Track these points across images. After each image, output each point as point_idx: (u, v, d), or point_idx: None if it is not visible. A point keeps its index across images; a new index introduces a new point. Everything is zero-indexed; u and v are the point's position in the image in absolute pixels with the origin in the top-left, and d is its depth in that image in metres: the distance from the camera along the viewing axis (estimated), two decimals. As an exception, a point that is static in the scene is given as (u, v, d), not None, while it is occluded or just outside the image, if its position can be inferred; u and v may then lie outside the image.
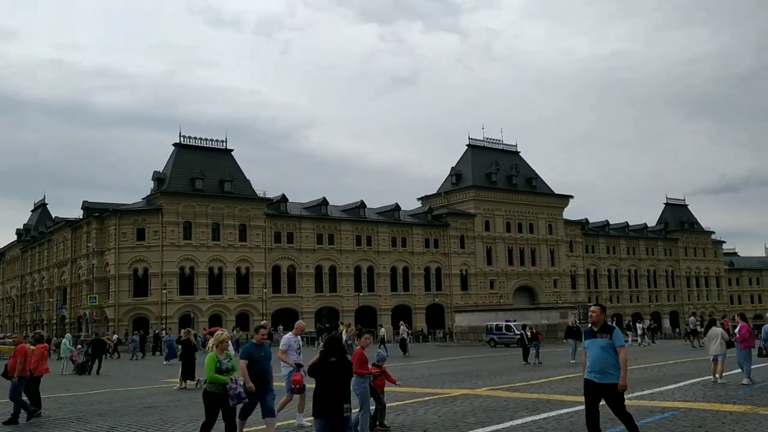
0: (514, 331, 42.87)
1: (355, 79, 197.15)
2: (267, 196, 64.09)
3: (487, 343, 44.15)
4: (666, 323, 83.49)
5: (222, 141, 65.08)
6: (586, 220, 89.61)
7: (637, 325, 57.03)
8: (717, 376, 15.22)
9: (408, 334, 33.01)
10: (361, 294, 66.39)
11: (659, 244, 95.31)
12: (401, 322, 42.10)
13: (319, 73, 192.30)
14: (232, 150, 65.40)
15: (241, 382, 8.18)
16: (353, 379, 9.67)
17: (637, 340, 43.60)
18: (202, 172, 60.74)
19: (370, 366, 9.55)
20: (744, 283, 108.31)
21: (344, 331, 33.78)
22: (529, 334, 25.99)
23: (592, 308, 7.61)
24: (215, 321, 56.87)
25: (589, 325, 7.65)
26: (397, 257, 70.05)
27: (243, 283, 61.23)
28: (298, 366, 10.28)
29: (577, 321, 37.38)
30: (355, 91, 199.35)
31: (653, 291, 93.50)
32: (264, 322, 11.09)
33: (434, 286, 72.34)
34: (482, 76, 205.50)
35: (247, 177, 64.86)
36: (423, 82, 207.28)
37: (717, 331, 15.47)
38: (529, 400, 13.24)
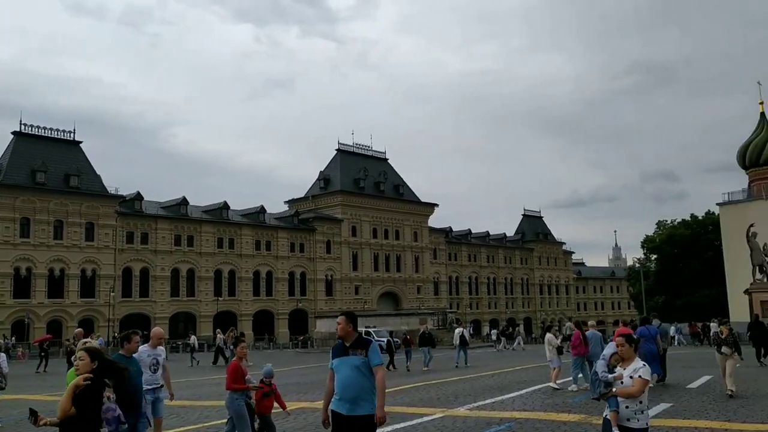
0: (373, 337, 42.65)
1: (228, 79, 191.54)
2: (119, 193, 59.81)
3: (346, 350, 43.56)
4: (521, 329, 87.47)
5: (69, 132, 59.97)
6: (450, 228, 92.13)
7: (493, 331, 58.99)
8: (552, 383, 15.35)
9: (225, 341, 30.59)
10: (220, 299, 63.67)
11: (516, 253, 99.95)
12: (217, 330, 37.53)
13: (191, 71, 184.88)
14: (80, 142, 60.47)
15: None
16: (227, 395, 8.40)
17: (509, 347, 44.75)
18: (44, 165, 55.51)
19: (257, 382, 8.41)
20: (590, 291, 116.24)
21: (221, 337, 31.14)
22: (399, 340, 25.92)
23: (338, 318, 5.81)
24: (54, 327, 52.06)
25: (338, 339, 5.88)
26: (261, 261, 67.99)
27: (88, 286, 56.57)
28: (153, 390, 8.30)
29: (434, 327, 37.65)
30: (227, 91, 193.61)
31: (510, 298, 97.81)
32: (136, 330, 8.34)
33: (298, 291, 71.01)
34: (356, 84, 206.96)
35: (99, 173, 60.24)
36: (298, 87, 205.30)
37: (549, 338, 15.66)
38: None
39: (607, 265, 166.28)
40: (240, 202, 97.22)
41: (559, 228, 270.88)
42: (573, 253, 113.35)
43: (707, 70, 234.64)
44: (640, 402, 5.42)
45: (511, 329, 63.41)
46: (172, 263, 61.65)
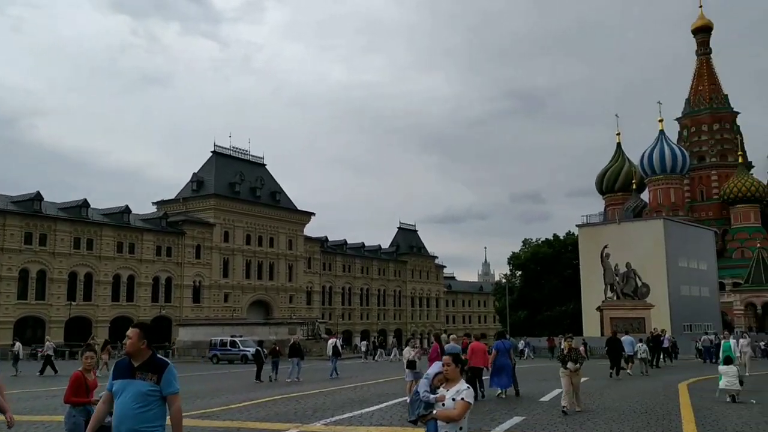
0: (239, 347, 41.20)
1: (100, 72, 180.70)
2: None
3: (209, 360, 41.81)
4: (390, 340, 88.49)
5: None
6: (326, 238, 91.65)
7: (362, 342, 58.99)
8: (407, 397, 15.24)
9: (55, 349, 28.24)
10: (73, 303, 59.11)
11: (390, 265, 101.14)
12: (47, 337, 33.93)
13: (58, 59, 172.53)
14: None
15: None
16: (67, 409, 7.22)
17: (380, 359, 44.59)
18: None
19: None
20: (459, 305, 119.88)
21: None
22: (266, 350, 25.18)
23: (129, 331, 4.84)
24: None
25: (124, 356, 4.92)
26: (123, 264, 63.97)
27: None
28: None
29: (303, 338, 36.92)
30: (98, 84, 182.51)
31: (382, 309, 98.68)
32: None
33: (163, 297, 67.46)
34: (238, 87, 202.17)
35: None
36: (175, 85, 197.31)
37: (405, 351, 15.58)
38: (212, 429, 11.62)
39: (476, 279, 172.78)
40: (105, 202, 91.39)
41: (432, 242, 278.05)
42: (444, 267, 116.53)
43: (573, 101, 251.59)
44: (461, 428, 5.13)
45: (383, 340, 63.94)
46: (20, 264, 56.53)
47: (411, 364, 15.10)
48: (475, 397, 15.95)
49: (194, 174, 76.55)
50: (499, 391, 16.08)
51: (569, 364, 13.15)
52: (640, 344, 26.09)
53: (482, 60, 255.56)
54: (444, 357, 5.26)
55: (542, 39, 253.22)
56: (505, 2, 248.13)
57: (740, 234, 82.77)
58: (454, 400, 5.08)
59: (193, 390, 19.62)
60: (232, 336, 42.60)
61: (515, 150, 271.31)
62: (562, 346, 14.12)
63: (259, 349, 26.24)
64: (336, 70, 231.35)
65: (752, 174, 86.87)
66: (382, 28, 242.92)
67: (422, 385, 5.40)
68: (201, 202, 73.52)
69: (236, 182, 76.32)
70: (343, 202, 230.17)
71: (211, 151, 77.78)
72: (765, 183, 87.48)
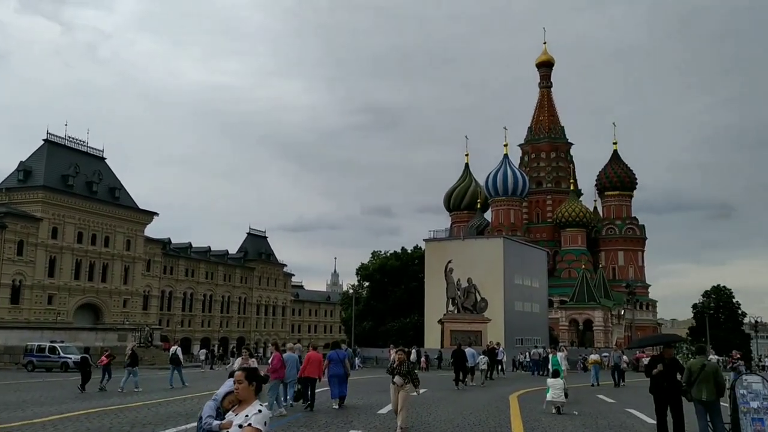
0: (59, 354, 37.56)
1: None
2: None
3: (24, 367, 37.71)
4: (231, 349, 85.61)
5: None
6: (169, 240, 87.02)
7: (201, 350, 56.32)
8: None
9: None
10: None
11: (237, 271, 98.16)
12: None
13: None
14: None
15: None
16: None
17: (220, 368, 42.44)
18: None
19: None
20: (305, 314, 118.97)
21: None
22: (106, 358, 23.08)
23: None
24: None
25: None
26: (-74, 258, 56.30)
27: None
28: None
29: (135, 344, 34.36)
30: None
31: (225, 317, 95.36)
32: None
33: (-26, 296, 60.20)
34: (81, 75, 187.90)
35: None
36: (9, 67, 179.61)
37: (238, 362, 14.68)
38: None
39: (325, 289, 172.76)
40: None
41: (282, 250, 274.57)
42: (293, 275, 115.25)
43: (427, 120, 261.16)
44: None
45: (223, 349, 61.45)
46: None
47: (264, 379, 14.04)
48: (308, 408, 15.72)
49: (21, 163, 69.37)
50: (333, 401, 16.01)
51: (396, 378, 12.30)
52: (482, 356, 27.12)
53: (343, 73, 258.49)
54: (236, 373, 4.51)
55: (402, 59, 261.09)
56: (371, 21, 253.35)
57: (569, 255, 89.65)
58: (241, 426, 4.30)
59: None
60: (51, 341, 38.68)
61: (369, 163, 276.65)
62: (392, 359, 13.48)
63: (86, 356, 23.88)
64: (191, 69, 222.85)
65: (581, 201, 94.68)
66: (244, 31, 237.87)
67: (207, 409, 4.58)
68: (27, 193, 66.71)
69: (70, 175, 70.14)
70: (191, 204, 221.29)
71: (43, 139, 70.95)
72: (591, 210, 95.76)
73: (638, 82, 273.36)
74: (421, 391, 21.92)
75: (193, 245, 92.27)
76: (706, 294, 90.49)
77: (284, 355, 15.31)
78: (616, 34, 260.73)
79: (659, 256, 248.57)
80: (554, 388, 15.82)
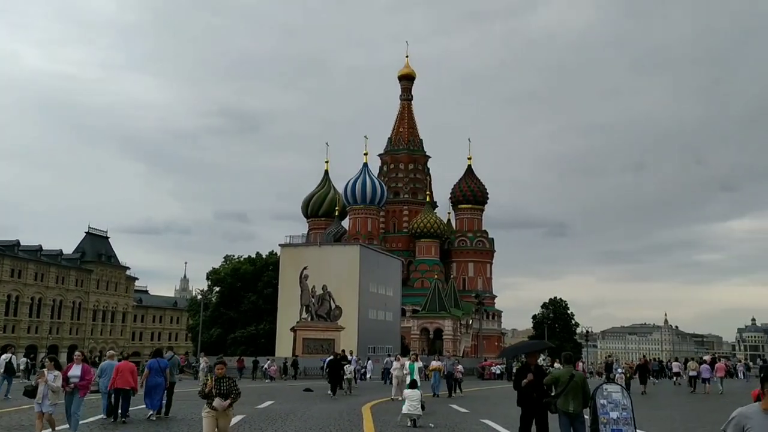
0: None
1: None
2: None
3: None
4: (63, 357, 78.00)
5: None
6: (-7, 237, 77.95)
7: (22, 360, 50.41)
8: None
9: None
10: None
11: (72, 273, 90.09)
12: None
13: None
14: None
15: None
16: None
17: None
18: None
19: None
20: (148, 321, 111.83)
21: None
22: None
23: None
24: None
25: None
26: None
27: None
28: None
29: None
30: None
31: (56, 322, 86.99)
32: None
33: None
34: None
35: None
36: None
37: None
38: None
39: (173, 295, 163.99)
40: None
41: (127, 253, 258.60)
42: (137, 279, 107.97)
43: (288, 127, 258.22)
44: None
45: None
46: None
47: (29, 392, 11.30)
48: (115, 420, 13.86)
49: None
50: (150, 413, 14.76)
51: (216, 402, 8.87)
52: (347, 365, 26.26)
53: (201, 74, 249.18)
54: None
55: (264, 64, 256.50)
56: (234, 23, 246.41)
57: (422, 265, 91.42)
58: None
59: None
60: None
61: (225, 168, 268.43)
62: (205, 378, 9.97)
63: None
64: (30, 54, 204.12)
65: (436, 213, 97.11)
66: (92, 20, 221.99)
67: None
68: None
69: None
70: (24, 200, 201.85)
71: None
72: (445, 221, 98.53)
73: (491, 104, 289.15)
74: (267, 404, 20.35)
75: (22, 243, 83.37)
76: (544, 305, 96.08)
77: (103, 363, 14.17)
78: (473, 58, 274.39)
79: (504, 268, 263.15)
80: (410, 400, 14.91)
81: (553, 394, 10.04)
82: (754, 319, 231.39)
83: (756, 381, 29.14)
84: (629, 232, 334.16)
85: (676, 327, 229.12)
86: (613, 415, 10.38)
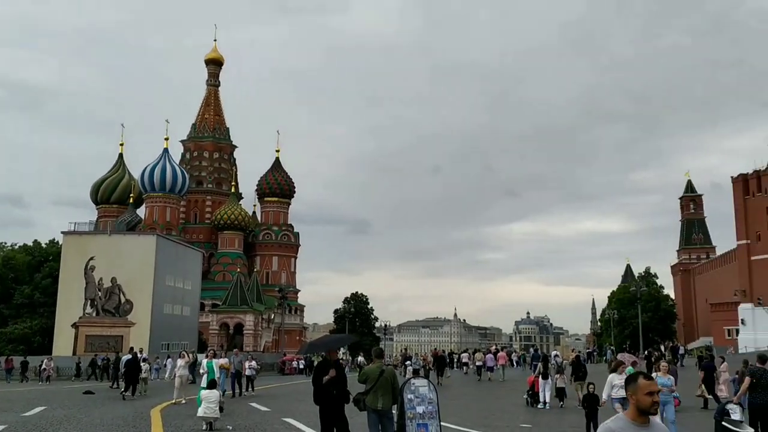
0: None
1: None
2: None
3: None
4: None
5: None
6: None
7: None
8: None
9: None
10: None
11: None
12: None
13: None
14: None
15: None
16: None
17: None
18: None
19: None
20: None
21: None
22: None
23: None
24: None
25: None
26: None
27: None
28: None
29: None
30: None
31: None
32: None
33: None
34: None
35: None
36: None
37: None
38: None
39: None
40: None
41: None
42: None
43: (77, 105, 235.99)
44: None
45: None
46: None
47: None
48: None
49: None
50: None
51: None
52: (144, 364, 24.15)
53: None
54: None
55: (50, 33, 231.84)
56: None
57: (224, 258, 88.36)
58: None
59: None
60: None
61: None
62: None
63: None
64: None
65: (241, 204, 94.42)
66: None
67: None
68: None
69: None
70: None
71: None
72: (251, 214, 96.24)
73: (301, 99, 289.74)
74: (37, 410, 17.76)
75: None
76: (346, 300, 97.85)
77: None
78: (284, 51, 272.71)
79: (308, 263, 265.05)
80: (207, 401, 13.69)
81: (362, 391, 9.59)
82: (528, 313, 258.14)
83: (529, 370, 31.81)
84: (426, 231, 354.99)
85: (464, 320, 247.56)
86: (420, 409, 10.21)
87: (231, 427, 13.98)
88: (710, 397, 18.28)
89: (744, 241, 59.19)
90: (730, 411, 9.94)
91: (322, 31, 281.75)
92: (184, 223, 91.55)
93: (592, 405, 12.89)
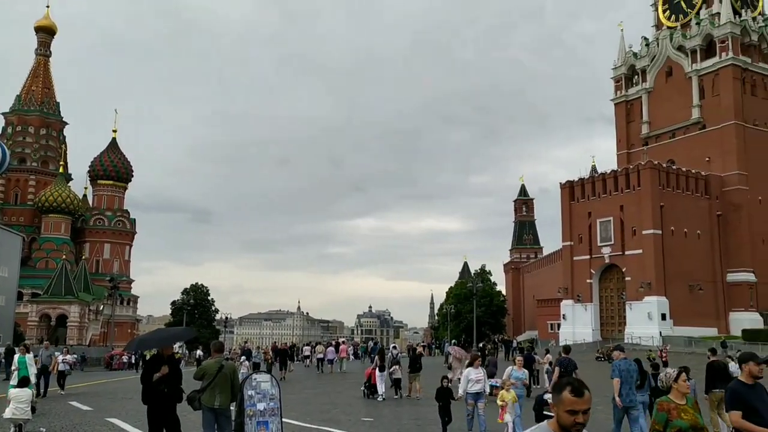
0: None
1: None
2: None
3: None
4: None
5: None
6: None
7: None
8: None
9: None
10: None
11: None
12: None
13: None
14: None
15: None
16: None
17: None
18: None
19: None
20: None
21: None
22: None
23: None
24: None
25: None
26: None
27: None
28: None
29: None
30: None
31: None
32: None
33: None
34: None
35: None
36: None
37: None
38: None
39: None
40: None
41: None
42: None
43: None
44: None
45: None
46: None
47: None
48: None
49: None
50: None
51: None
52: None
53: None
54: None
55: None
56: None
57: (48, 244, 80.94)
58: None
59: None
60: None
61: None
62: None
63: None
64: None
65: (70, 186, 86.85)
66: None
67: None
68: None
69: None
70: None
71: None
72: (81, 197, 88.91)
73: (146, 80, 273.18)
74: None
75: None
76: (185, 291, 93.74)
77: None
78: (125, 28, 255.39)
79: (145, 252, 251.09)
80: (17, 401, 12.04)
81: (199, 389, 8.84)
82: (371, 306, 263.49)
83: (368, 361, 32.23)
84: (272, 223, 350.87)
85: (307, 313, 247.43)
86: (260, 406, 9.66)
87: (44, 430, 12.49)
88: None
89: (568, 243, 64.23)
90: (548, 400, 10.45)
91: (172, 11, 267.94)
92: (2, 203, 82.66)
93: (445, 399, 12.61)
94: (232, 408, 9.20)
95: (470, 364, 12.96)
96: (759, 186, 61.44)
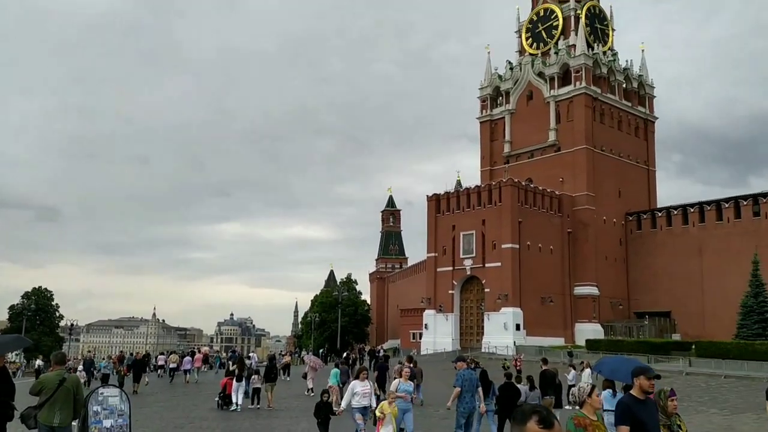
0: None
1: None
2: None
3: None
4: None
5: None
6: None
7: None
8: None
9: None
10: None
11: None
12: None
13: None
14: None
15: None
16: None
17: None
18: None
19: None
20: None
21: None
22: None
23: None
24: None
25: None
26: None
27: None
28: None
29: None
30: None
31: None
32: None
33: None
34: None
35: None
36: None
37: None
38: None
39: None
40: None
41: None
42: None
43: None
44: None
45: None
46: None
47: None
48: None
49: None
50: None
51: None
52: None
53: None
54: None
55: None
56: None
57: None
58: None
59: None
60: None
61: None
62: None
63: None
64: None
65: None
66: None
67: None
68: None
69: None
70: None
71: None
72: None
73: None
74: None
75: None
76: (26, 295, 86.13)
77: None
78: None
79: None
80: None
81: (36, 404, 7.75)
82: (232, 314, 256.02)
83: (222, 372, 31.05)
84: (126, 225, 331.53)
85: (163, 320, 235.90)
86: (107, 423, 8.73)
87: None
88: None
89: (433, 254, 65.94)
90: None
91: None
92: None
93: (325, 414, 11.80)
94: (74, 425, 8.22)
95: (356, 377, 12.46)
96: (604, 206, 66.52)
